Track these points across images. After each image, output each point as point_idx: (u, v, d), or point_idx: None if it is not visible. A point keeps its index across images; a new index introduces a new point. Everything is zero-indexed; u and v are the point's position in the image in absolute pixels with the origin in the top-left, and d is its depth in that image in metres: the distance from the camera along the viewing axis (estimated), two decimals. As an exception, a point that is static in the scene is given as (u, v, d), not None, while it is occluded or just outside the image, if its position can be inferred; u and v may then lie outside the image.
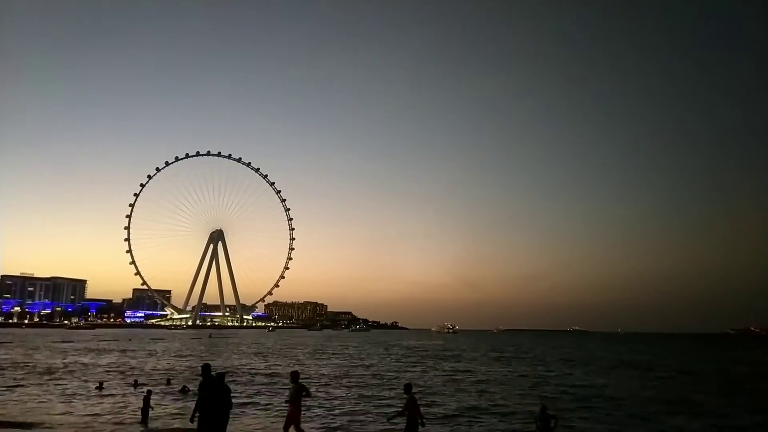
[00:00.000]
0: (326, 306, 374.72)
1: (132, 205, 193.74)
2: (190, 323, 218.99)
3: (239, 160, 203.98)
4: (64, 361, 44.87)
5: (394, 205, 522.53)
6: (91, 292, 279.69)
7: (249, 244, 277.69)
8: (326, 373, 36.92)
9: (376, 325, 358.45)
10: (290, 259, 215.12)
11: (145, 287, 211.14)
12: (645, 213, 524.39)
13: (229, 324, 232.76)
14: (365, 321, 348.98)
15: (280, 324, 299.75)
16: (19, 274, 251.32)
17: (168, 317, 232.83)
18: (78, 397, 23.61)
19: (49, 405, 21.34)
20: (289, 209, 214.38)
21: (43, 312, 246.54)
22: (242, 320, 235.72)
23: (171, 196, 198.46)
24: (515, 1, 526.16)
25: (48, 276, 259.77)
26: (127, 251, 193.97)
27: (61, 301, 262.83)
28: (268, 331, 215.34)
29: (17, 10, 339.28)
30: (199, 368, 12.86)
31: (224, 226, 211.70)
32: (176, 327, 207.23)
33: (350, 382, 31.62)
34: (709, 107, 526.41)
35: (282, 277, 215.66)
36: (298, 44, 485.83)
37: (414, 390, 13.02)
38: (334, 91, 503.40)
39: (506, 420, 19.66)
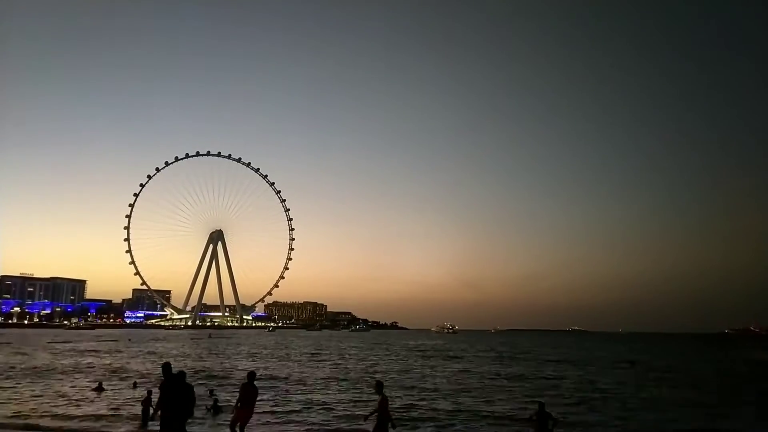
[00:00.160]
0: (326, 306, 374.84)
1: (132, 205, 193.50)
2: (189, 323, 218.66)
3: (239, 160, 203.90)
4: (64, 361, 44.82)
5: (394, 205, 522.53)
6: (91, 292, 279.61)
7: (249, 244, 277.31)
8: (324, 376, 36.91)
9: (376, 326, 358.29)
10: (290, 259, 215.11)
11: (144, 287, 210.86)
12: (645, 213, 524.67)
13: (228, 324, 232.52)
14: (365, 321, 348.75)
15: (280, 324, 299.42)
16: (18, 275, 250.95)
17: (168, 317, 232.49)
18: (77, 398, 23.60)
19: (48, 406, 21.33)
20: (288, 209, 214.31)
21: (43, 312, 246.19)
22: (242, 320, 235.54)
23: (171, 196, 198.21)
24: (515, 1, 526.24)
25: (48, 276, 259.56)
26: (127, 251, 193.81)
27: (61, 302, 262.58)
28: (269, 331, 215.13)
29: (17, 10, 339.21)
30: (159, 368, 13.00)
31: (224, 226, 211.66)
32: (176, 327, 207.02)
33: (340, 385, 31.58)
34: (709, 107, 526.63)
35: (282, 277, 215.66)
36: (298, 44, 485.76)
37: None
38: (334, 91, 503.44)
39: (503, 423, 19.66)
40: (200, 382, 29.09)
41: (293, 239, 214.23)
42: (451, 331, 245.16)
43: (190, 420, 11.78)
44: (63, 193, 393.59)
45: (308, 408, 21.70)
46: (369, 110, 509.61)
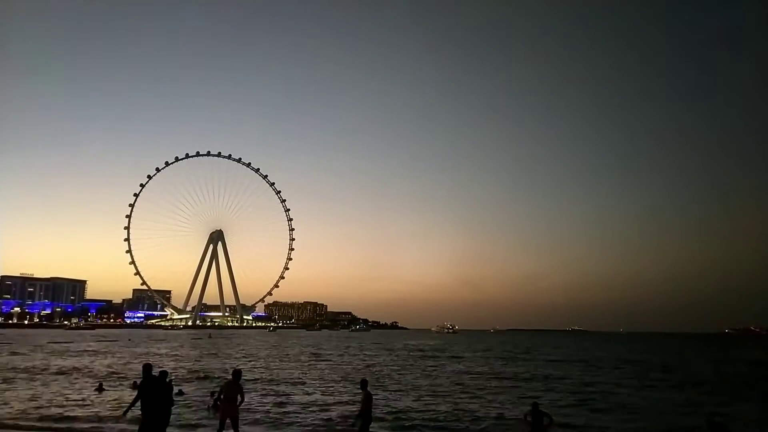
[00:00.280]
0: (326, 306, 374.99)
1: (132, 206, 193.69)
2: (189, 323, 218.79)
3: (239, 160, 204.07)
4: (64, 362, 44.85)
5: (394, 205, 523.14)
6: (91, 292, 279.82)
7: (249, 244, 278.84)
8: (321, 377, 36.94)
9: (376, 326, 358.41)
10: (290, 259, 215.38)
11: (144, 287, 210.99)
12: (645, 213, 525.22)
13: (229, 324, 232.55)
14: (365, 321, 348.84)
15: (280, 324, 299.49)
16: (19, 275, 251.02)
17: (168, 317, 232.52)
18: (77, 399, 23.65)
19: (49, 406, 21.38)
20: (289, 209, 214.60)
21: (43, 312, 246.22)
22: (242, 320, 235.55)
23: (171, 197, 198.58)
24: (515, 1, 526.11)
25: (48, 276, 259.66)
26: (127, 251, 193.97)
27: (61, 302, 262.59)
28: (269, 331, 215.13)
29: (17, 10, 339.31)
30: (140, 368, 13.18)
31: (224, 226, 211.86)
32: (176, 327, 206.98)
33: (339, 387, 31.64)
34: (709, 107, 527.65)
35: (282, 277, 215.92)
36: (298, 45, 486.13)
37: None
38: (334, 91, 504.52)
39: (501, 424, 19.71)
40: (202, 388, 29.14)
41: (293, 239, 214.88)
42: (450, 331, 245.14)
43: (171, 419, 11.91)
44: (63, 194, 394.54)
45: (308, 408, 21.75)
46: (369, 111, 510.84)
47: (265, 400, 23.81)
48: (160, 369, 12.86)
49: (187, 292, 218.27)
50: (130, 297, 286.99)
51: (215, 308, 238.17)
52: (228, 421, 12.63)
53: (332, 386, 29.58)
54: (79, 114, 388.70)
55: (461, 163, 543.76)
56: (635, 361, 58.75)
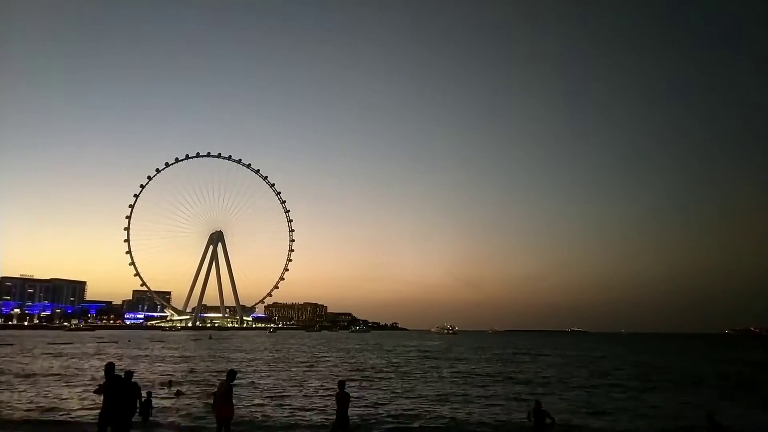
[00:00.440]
0: (326, 307, 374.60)
1: (132, 206, 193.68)
2: (189, 324, 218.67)
3: (239, 161, 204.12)
4: (64, 363, 44.82)
5: (394, 206, 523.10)
6: (91, 293, 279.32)
7: (249, 245, 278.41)
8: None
9: (376, 326, 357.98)
10: (290, 260, 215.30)
11: (144, 288, 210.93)
12: (644, 213, 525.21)
13: (228, 325, 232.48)
14: (365, 322, 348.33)
15: (280, 325, 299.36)
16: (18, 276, 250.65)
17: (168, 318, 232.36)
18: (77, 399, 23.61)
19: (49, 407, 21.34)
20: (289, 210, 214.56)
21: (43, 314, 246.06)
22: (242, 321, 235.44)
23: (171, 198, 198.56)
24: (515, 1, 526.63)
25: (48, 278, 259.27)
26: (127, 252, 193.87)
27: (61, 303, 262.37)
28: (269, 332, 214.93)
29: (17, 10, 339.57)
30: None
31: (224, 227, 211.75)
32: (176, 328, 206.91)
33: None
34: (709, 107, 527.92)
35: (282, 278, 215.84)
36: (298, 46, 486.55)
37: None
38: (334, 92, 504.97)
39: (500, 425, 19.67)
40: (200, 389, 29.06)
41: (293, 240, 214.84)
42: (450, 331, 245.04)
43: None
44: (63, 195, 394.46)
45: (306, 409, 21.72)
46: (369, 112, 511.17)
47: (264, 401, 23.77)
48: (127, 369, 12.87)
49: (187, 293, 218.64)
50: (130, 298, 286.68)
51: (215, 309, 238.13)
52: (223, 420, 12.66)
53: (331, 387, 29.54)
54: (79, 115, 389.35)
55: (461, 164, 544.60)
56: (635, 361, 58.73)
